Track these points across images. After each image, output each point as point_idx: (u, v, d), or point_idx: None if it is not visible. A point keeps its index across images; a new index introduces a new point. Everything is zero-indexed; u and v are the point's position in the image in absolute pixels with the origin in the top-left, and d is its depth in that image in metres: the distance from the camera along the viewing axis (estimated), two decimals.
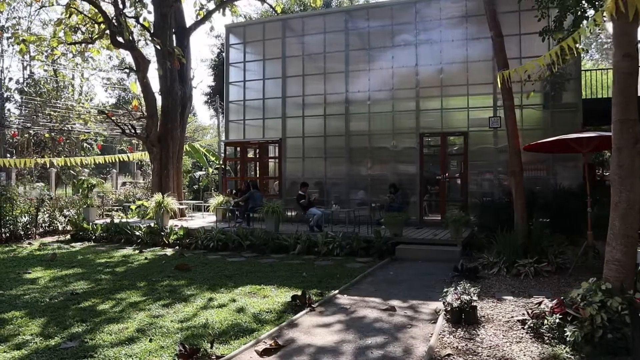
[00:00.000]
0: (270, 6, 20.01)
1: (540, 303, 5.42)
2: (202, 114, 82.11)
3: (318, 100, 14.58)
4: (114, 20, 14.63)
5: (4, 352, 4.71)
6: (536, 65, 6.42)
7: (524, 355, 4.46)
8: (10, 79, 34.50)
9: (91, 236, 12.96)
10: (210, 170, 24.22)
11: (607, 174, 17.78)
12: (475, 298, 5.47)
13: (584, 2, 8.68)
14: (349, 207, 12.78)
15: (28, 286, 7.53)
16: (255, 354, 4.61)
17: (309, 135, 14.58)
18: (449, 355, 4.48)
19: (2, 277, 8.20)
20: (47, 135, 29.11)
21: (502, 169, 12.49)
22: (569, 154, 10.96)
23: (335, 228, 11.43)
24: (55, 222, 14.57)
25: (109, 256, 10.43)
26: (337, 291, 6.99)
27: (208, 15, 17.24)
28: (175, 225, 12.49)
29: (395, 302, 6.39)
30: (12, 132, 29.36)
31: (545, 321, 4.96)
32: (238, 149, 16.46)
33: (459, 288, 5.58)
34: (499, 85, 8.11)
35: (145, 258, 10.15)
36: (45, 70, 31.05)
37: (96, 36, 16.05)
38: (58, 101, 31.68)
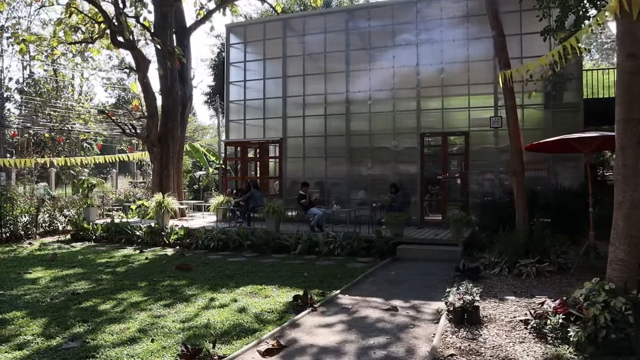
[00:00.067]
0: (271, 6, 20.00)
1: (543, 303, 5.41)
2: (201, 114, 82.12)
3: (319, 100, 14.56)
4: (114, 20, 14.61)
5: (6, 352, 4.69)
6: (538, 64, 6.39)
7: (527, 355, 4.45)
8: (10, 78, 34.53)
9: (91, 236, 12.94)
10: (211, 170, 24.20)
11: (608, 173, 17.77)
12: (477, 298, 5.46)
13: (585, 1, 8.67)
14: (350, 207, 12.76)
15: (29, 286, 7.51)
16: (257, 354, 4.60)
17: (310, 135, 14.56)
18: (452, 355, 4.46)
19: (3, 277, 8.18)
20: (47, 135, 29.09)
21: (503, 168, 12.49)
22: (569, 154, 10.96)
23: (336, 228, 11.41)
24: (56, 222, 14.55)
25: (110, 256, 10.41)
26: (338, 291, 6.97)
27: (208, 15, 17.22)
28: (176, 225, 12.46)
29: (397, 302, 6.37)
30: (12, 132, 29.34)
31: (548, 321, 4.94)
32: (238, 148, 16.45)
33: (461, 288, 5.56)
34: (501, 85, 8.09)
35: (146, 258, 10.13)
36: (45, 70, 31.06)
37: (96, 36, 16.02)
38: (58, 101, 31.66)
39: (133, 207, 16.42)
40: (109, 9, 15.10)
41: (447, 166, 13.72)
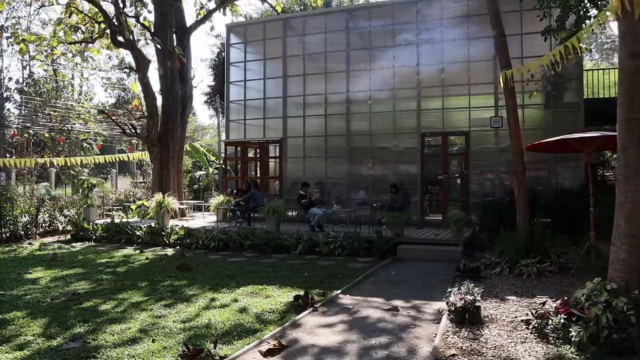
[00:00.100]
0: (271, 5, 20.00)
1: (544, 303, 5.40)
2: (201, 114, 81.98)
3: (319, 100, 14.56)
4: (114, 20, 14.60)
5: (7, 352, 4.68)
6: (539, 64, 6.39)
7: (529, 355, 4.44)
8: (10, 78, 34.50)
9: (91, 236, 12.93)
10: (211, 170, 24.20)
11: (608, 174, 17.77)
12: (478, 298, 5.45)
13: (586, 1, 8.67)
14: (350, 207, 12.76)
15: (29, 286, 7.50)
16: (259, 354, 4.59)
17: (310, 135, 14.56)
18: (453, 355, 4.45)
19: (3, 277, 8.17)
20: (46, 135, 29.07)
21: (503, 168, 12.49)
22: (570, 154, 10.96)
23: (336, 228, 11.40)
24: (56, 222, 14.54)
25: (110, 256, 10.40)
26: (339, 291, 6.96)
27: (208, 14, 17.21)
28: (176, 225, 12.45)
29: (397, 302, 6.37)
30: (12, 132, 29.31)
31: (550, 321, 4.93)
32: (238, 148, 16.44)
33: (462, 288, 5.55)
34: (502, 85, 8.08)
35: (146, 258, 10.12)
36: (45, 70, 31.04)
37: (96, 35, 16.01)
38: (58, 101, 31.64)
39: (133, 207, 16.41)
40: (109, 8, 15.10)
41: (448, 166, 13.72)
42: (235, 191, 14.79)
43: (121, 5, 14.37)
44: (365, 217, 12.10)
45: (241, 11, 22.46)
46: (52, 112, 29.87)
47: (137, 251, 11.05)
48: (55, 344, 4.89)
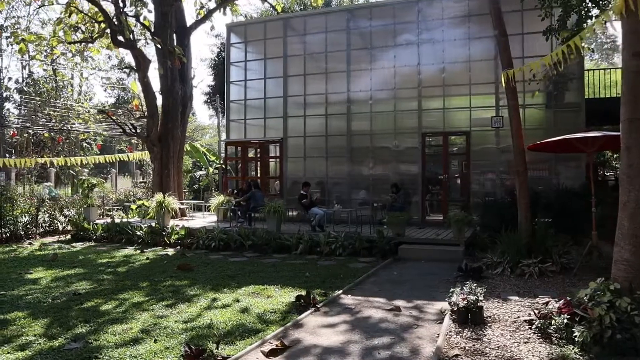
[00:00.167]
0: (271, 5, 19.98)
1: (547, 303, 5.39)
2: (201, 114, 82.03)
3: (319, 100, 14.54)
4: (114, 19, 14.58)
5: (8, 353, 4.66)
6: (542, 64, 6.37)
7: (533, 355, 4.43)
8: (10, 78, 34.45)
9: (92, 236, 12.91)
10: (211, 169, 24.18)
11: (608, 174, 17.76)
12: (481, 298, 5.44)
13: (587, 1, 8.66)
14: (351, 207, 12.75)
15: (30, 286, 7.48)
16: (261, 354, 4.57)
17: (311, 134, 14.54)
18: (456, 355, 4.44)
19: (4, 278, 8.15)
20: (46, 135, 29.04)
21: (504, 168, 12.48)
22: (571, 154, 10.97)
23: (337, 228, 11.39)
24: (56, 222, 14.52)
25: (111, 256, 10.38)
26: (341, 291, 6.95)
27: (209, 14, 17.19)
28: (177, 225, 12.43)
29: (399, 302, 6.35)
30: (12, 132, 29.29)
31: (553, 321, 4.92)
32: (239, 148, 16.42)
33: (465, 288, 5.54)
34: (503, 85, 8.07)
35: (147, 258, 10.10)
36: (45, 70, 31.00)
37: (96, 35, 15.99)
38: (57, 101, 31.61)
39: (133, 207, 16.39)
40: (109, 8, 15.10)
41: (448, 166, 13.72)
42: (235, 191, 14.78)
43: (121, 4, 14.35)
44: (366, 217, 12.09)
45: (241, 11, 22.49)
46: (51, 112, 29.86)
47: (138, 251, 11.03)
48: (57, 345, 4.87)
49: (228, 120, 15.86)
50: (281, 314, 5.90)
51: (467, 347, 4.63)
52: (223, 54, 24.31)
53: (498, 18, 8.83)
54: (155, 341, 4.92)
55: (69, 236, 13.52)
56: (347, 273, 8.25)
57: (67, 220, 14.52)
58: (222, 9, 16.99)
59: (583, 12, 8.69)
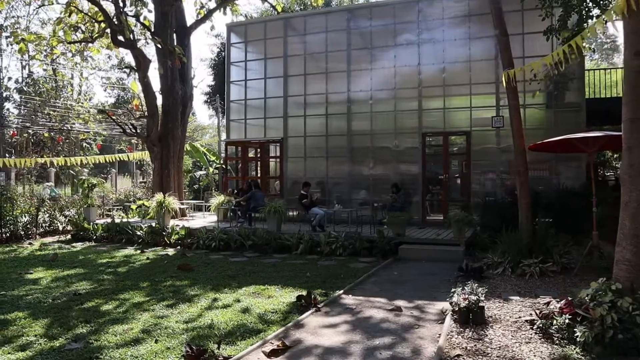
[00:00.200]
0: (271, 5, 19.98)
1: (548, 303, 5.38)
2: (201, 114, 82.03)
3: (320, 100, 14.53)
4: (114, 19, 14.58)
5: (9, 353, 4.65)
6: (543, 64, 6.36)
7: (534, 355, 4.42)
8: (10, 78, 34.44)
9: (92, 236, 12.89)
10: (211, 169, 24.17)
11: (608, 174, 17.77)
12: (482, 298, 5.43)
13: (588, 1, 8.66)
14: (351, 207, 12.74)
15: (30, 287, 7.47)
16: (262, 354, 4.56)
17: (311, 134, 14.53)
18: (458, 356, 4.43)
19: (4, 278, 8.13)
20: (46, 134, 29.03)
21: (504, 168, 12.48)
22: (571, 154, 10.97)
23: (337, 228, 11.38)
24: (56, 222, 14.50)
25: (111, 256, 10.36)
26: (341, 291, 6.94)
27: (209, 14, 17.19)
28: (177, 225, 12.42)
29: (400, 303, 6.35)
30: (12, 132, 29.28)
31: (554, 321, 4.91)
32: (239, 148, 16.41)
33: (466, 288, 5.53)
34: (504, 85, 8.06)
35: (147, 258, 10.09)
36: (45, 70, 30.99)
37: (96, 35, 15.98)
38: (57, 100, 31.60)
39: (133, 207, 16.38)
40: (109, 8, 15.09)
41: (449, 166, 13.71)
42: (236, 191, 14.77)
43: (121, 4, 14.35)
44: (367, 217, 12.08)
45: (241, 11, 22.47)
46: (51, 112, 29.84)
47: (138, 251, 11.02)
48: (57, 345, 4.86)
49: (228, 120, 15.85)
50: (282, 314, 5.90)
51: (468, 347, 4.62)
52: (223, 53, 24.30)
53: (499, 18, 8.82)
54: (156, 341, 4.92)
55: (69, 236, 13.51)
56: (348, 273, 8.24)
57: (67, 220, 14.51)
58: (222, 9, 17.00)
59: (584, 12, 8.68)
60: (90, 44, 17.29)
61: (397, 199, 12.42)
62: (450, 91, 13.08)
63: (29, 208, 13.92)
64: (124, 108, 30.79)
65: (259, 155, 16.83)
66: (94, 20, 15.80)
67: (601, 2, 8.53)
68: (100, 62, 34.12)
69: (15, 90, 33.51)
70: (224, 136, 20.66)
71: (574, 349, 4.50)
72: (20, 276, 8.27)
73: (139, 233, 12.29)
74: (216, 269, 8.77)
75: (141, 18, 15.29)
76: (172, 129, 15.70)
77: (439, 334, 5.06)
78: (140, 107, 19.12)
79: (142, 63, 15.39)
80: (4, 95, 31.23)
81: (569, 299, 5.02)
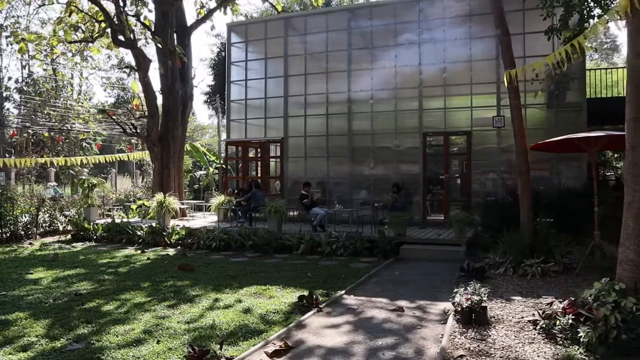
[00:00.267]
0: (271, 4, 19.96)
1: (551, 303, 5.37)
2: (201, 114, 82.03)
3: (320, 100, 14.52)
4: (114, 19, 14.56)
5: (10, 354, 4.63)
6: (544, 63, 6.35)
7: (538, 356, 4.40)
8: (10, 78, 34.40)
9: (92, 236, 12.87)
10: (211, 169, 24.15)
11: (609, 173, 17.76)
12: (485, 298, 5.42)
13: (589, 1, 8.65)
14: (352, 207, 12.73)
15: (31, 287, 7.45)
16: (265, 355, 4.55)
17: (311, 134, 14.52)
18: (461, 356, 4.42)
19: (5, 278, 8.11)
20: (46, 134, 29.00)
21: (505, 168, 12.47)
22: (572, 154, 10.96)
23: (338, 228, 11.37)
24: (56, 222, 14.48)
25: (111, 256, 10.34)
26: (343, 291, 6.92)
27: (209, 14, 17.17)
28: (177, 225, 12.40)
29: (402, 303, 6.33)
30: (12, 132, 29.25)
31: (558, 322, 4.90)
32: (239, 148, 16.39)
33: (469, 288, 5.52)
34: (506, 84, 8.04)
35: (148, 258, 10.07)
36: (45, 70, 30.97)
37: (97, 35, 15.96)
38: (57, 100, 31.57)
39: (133, 207, 16.36)
40: (110, 7, 15.07)
41: (449, 166, 13.70)
42: (236, 191, 14.75)
43: (121, 4, 14.34)
44: (367, 217, 12.06)
45: (242, 10, 22.45)
46: (51, 112, 29.81)
47: (139, 251, 11.00)
48: (59, 345, 4.84)
49: (228, 120, 15.83)
50: (284, 314, 5.88)
51: (471, 348, 4.61)
52: (223, 53, 24.30)
53: (500, 17, 8.81)
54: (158, 342, 4.90)
55: (69, 236, 13.48)
56: (349, 273, 8.23)
57: (67, 220, 14.48)
58: (222, 9, 16.98)
59: (585, 11, 8.67)
60: (90, 44, 17.27)
61: (398, 199, 12.41)
62: (451, 91, 13.07)
63: (29, 208, 13.90)
64: (124, 108, 30.75)
65: (259, 155, 16.82)
66: (94, 20, 15.78)
67: (602, 2, 8.52)
68: (100, 62, 34.10)
69: (15, 90, 33.49)
70: (224, 136, 20.67)
71: (578, 349, 4.48)
72: (20, 276, 8.25)
73: (139, 233, 12.27)
74: (217, 269, 8.75)
75: (141, 18, 15.29)
76: (173, 129, 15.68)
77: (442, 335, 5.04)
78: (140, 106, 19.10)
79: (142, 63, 15.38)
80: (4, 95, 31.19)
81: (572, 299, 5.00)
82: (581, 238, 8.96)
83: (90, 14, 15.77)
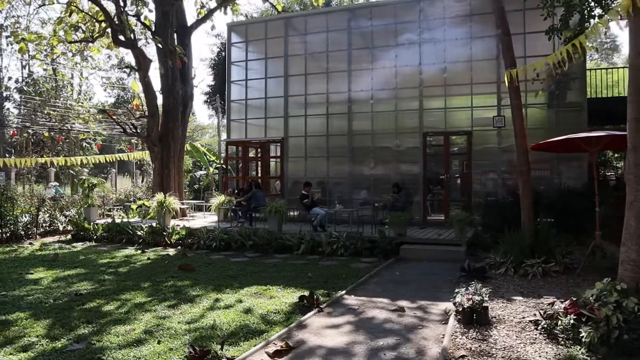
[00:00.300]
0: (272, 4, 19.94)
1: (552, 304, 5.36)
2: (200, 114, 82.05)
3: (320, 100, 14.51)
4: (115, 19, 14.55)
5: (10, 354, 4.62)
6: (545, 63, 6.34)
7: (540, 356, 4.40)
8: (10, 77, 34.38)
9: (92, 236, 12.86)
10: (211, 169, 24.14)
11: (609, 173, 17.76)
12: (486, 298, 5.41)
13: (590, 0, 8.64)
14: (352, 207, 12.72)
15: (31, 287, 7.44)
16: (266, 355, 4.54)
17: (312, 134, 14.51)
18: (463, 356, 4.41)
19: (5, 278, 8.10)
20: (46, 134, 28.99)
21: (505, 168, 12.47)
22: (573, 154, 10.95)
23: (338, 228, 11.36)
24: (56, 222, 14.47)
25: (111, 256, 10.33)
26: (344, 292, 6.91)
27: (209, 14, 17.16)
28: (177, 225, 12.39)
29: (403, 303, 6.32)
30: (12, 132, 29.24)
31: (559, 322, 4.89)
32: (239, 148, 16.39)
33: (470, 288, 5.51)
34: (507, 84, 8.03)
35: (148, 258, 10.07)
36: (45, 69, 30.95)
37: (97, 34, 15.95)
38: (57, 100, 31.56)
39: (134, 207, 16.35)
40: (110, 7, 15.07)
41: (450, 166, 13.69)
42: (236, 191, 14.74)
43: (122, 4, 14.32)
44: (368, 217, 12.06)
45: (242, 10, 22.42)
46: (51, 112, 29.81)
47: (139, 251, 10.99)
48: (59, 346, 4.83)
49: (229, 120, 15.82)
50: (285, 314, 5.87)
51: (473, 348, 4.60)
52: (223, 53, 24.29)
53: (501, 17, 8.80)
54: (158, 342, 4.89)
55: (69, 236, 13.47)
56: (350, 273, 8.22)
57: (67, 220, 14.47)
58: (222, 9, 16.96)
59: (586, 11, 8.66)
60: (90, 44, 17.26)
61: (398, 199, 12.40)
62: (452, 91, 13.06)
63: (29, 208, 13.89)
64: (123, 108, 30.74)
65: (259, 155, 16.81)
66: (94, 20, 15.77)
67: (603, 2, 8.51)
68: (100, 62, 34.07)
69: (15, 90, 33.47)
70: (224, 136, 20.66)
71: (580, 349, 4.48)
72: (21, 276, 8.24)
73: (139, 233, 12.26)
74: (217, 269, 8.74)
75: (142, 18, 15.28)
76: (173, 129, 15.67)
77: (443, 335, 5.03)
78: (140, 106, 19.09)
79: (142, 63, 15.37)
80: (4, 95, 31.18)
81: (574, 299, 5.00)
82: (582, 238, 8.94)
83: (90, 13, 15.77)
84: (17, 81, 34.54)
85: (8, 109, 31.93)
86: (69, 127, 29.76)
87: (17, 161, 20.39)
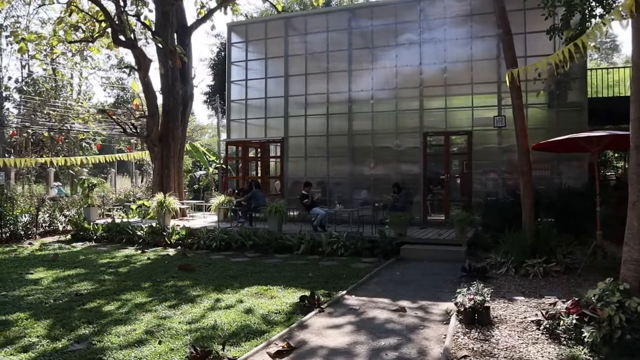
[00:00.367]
0: (272, 4, 19.92)
1: (554, 304, 5.36)
2: (200, 114, 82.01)
3: (321, 100, 14.49)
4: (115, 19, 14.53)
5: (11, 354, 4.60)
6: (547, 62, 6.32)
7: (542, 356, 4.38)
8: (9, 77, 34.32)
9: (92, 236, 12.84)
10: (211, 169, 24.12)
11: (609, 173, 17.75)
12: (488, 298, 5.40)
13: (591, 0, 8.63)
14: (352, 207, 12.71)
15: (31, 287, 7.42)
16: (267, 356, 4.52)
17: (312, 134, 14.49)
18: (465, 357, 4.40)
19: (5, 278, 8.08)
20: (45, 134, 28.96)
21: (505, 168, 12.46)
22: (573, 154, 10.93)
23: (338, 228, 11.35)
24: (56, 222, 14.45)
25: (111, 256, 10.31)
26: (344, 292, 6.90)
27: (209, 13, 17.14)
28: (177, 225, 12.37)
29: (404, 303, 6.30)
30: (11, 132, 29.20)
31: (561, 322, 4.88)
32: (239, 148, 16.37)
33: (471, 288, 5.50)
34: (508, 84, 8.02)
35: (148, 258, 10.05)
36: (44, 69, 30.91)
37: (97, 34, 15.93)
38: (57, 100, 31.53)
39: (133, 207, 16.32)
40: (110, 7, 15.06)
41: (450, 166, 13.68)
42: (236, 191, 14.73)
43: (122, 3, 14.31)
44: (368, 217, 12.05)
45: (242, 10, 22.43)
46: (51, 112, 29.77)
47: (139, 251, 10.97)
48: (60, 346, 4.81)
49: (229, 120, 15.80)
50: (286, 314, 5.85)
51: (475, 348, 4.58)
52: (223, 53, 24.27)
53: (502, 17, 8.78)
54: (159, 342, 4.87)
55: (69, 236, 13.45)
56: (350, 273, 8.20)
57: (67, 220, 14.45)
58: (222, 9, 16.94)
59: (587, 11, 8.65)
60: (90, 44, 17.23)
61: (399, 199, 12.39)
62: (452, 91, 13.05)
63: (29, 208, 13.87)
64: (123, 108, 30.73)
65: (259, 155, 16.79)
66: (94, 20, 15.75)
67: (604, 1, 8.50)
68: (100, 62, 34.05)
69: (15, 90, 33.42)
70: (223, 136, 20.64)
71: (582, 349, 4.47)
72: (20, 276, 8.21)
73: (139, 233, 12.24)
74: (217, 269, 8.72)
75: (142, 17, 15.27)
76: (173, 129, 15.66)
77: (445, 335, 5.02)
78: (140, 106, 19.07)
79: (142, 63, 15.35)
80: (4, 94, 31.14)
81: (576, 299, 4.98)
82: (583, 238, 8.93)
83: (90, 13, 15.74)
84: (16, 81, 34.51)
85: (8, 108, 31.89)
86: (69, 127, 29.72)
87: (16, 161, 20.34)
